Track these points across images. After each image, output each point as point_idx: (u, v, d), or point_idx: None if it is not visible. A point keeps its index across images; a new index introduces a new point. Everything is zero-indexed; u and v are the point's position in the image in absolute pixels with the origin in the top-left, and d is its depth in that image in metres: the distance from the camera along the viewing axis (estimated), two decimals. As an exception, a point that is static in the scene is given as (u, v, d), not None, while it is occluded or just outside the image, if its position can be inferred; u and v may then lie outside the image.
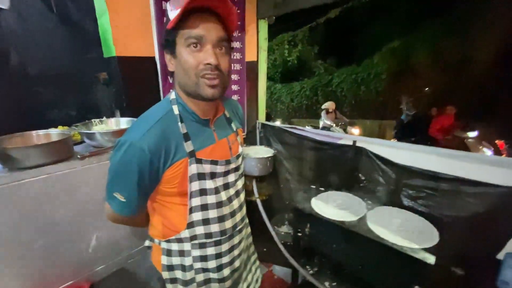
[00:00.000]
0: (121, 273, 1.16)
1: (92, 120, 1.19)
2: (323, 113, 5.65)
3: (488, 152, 4.16)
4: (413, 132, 4.83)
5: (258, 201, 2.00)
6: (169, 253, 0.80)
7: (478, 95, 6.26)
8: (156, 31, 1.40)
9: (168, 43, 0.68)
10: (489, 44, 5.78)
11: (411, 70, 6.96)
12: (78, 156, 0.97)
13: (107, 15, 1.23)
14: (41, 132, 1.04)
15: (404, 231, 1.15)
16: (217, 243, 0.81)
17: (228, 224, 0.82)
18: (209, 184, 0.76)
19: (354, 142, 1.71)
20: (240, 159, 0.88)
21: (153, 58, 1.45)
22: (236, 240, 0.86)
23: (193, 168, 0.72)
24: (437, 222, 1.23)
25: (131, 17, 1.32)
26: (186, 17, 0.64)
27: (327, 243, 1.35)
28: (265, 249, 1.99)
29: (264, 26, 2.09)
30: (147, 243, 0.88)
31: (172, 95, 0.76)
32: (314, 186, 1.62)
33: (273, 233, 1.91)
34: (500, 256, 1.21)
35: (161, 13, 1.40)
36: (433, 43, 6.43)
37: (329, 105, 5.62)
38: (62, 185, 0.94)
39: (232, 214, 0.83)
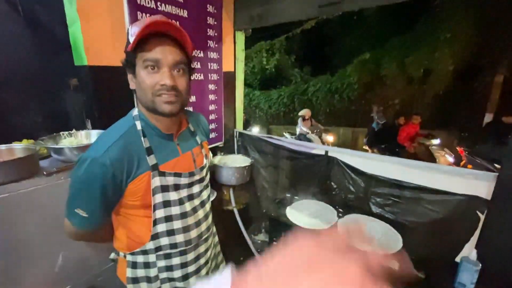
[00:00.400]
0: (89, 292, 1.11)
1: (61, 133, 1.14)
2: (299, 120, 5.81)
3: (449, 158, 4.51)
4: (383, 140, 5.13)
5: (235, 210, 2.01)
6: (134, 265, 0.81)
7: (440, 106, 6.81)
8: (131, 41, 1.38)
9: (128, 64, 0.72)
10: (449, 59, 6.34)
11: (380, 81, 7.41)
12: (44, 173, 0.92)
13: (79, 23, 1.20)
14: (3, 147, 0.98)
15: (372, 238, 1.21)
16: (182, 253, 0.82)
17: (193, 233, 0.84)
18: (172, 195, 0.78)
19: (326, 152, 1.79)
20: (204, 170, 0.91)
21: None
22: (201, 249, 0.89)
23: (156, 181, 0.74)
24: (401, 228, 1.32)
25: (103, 26, 1.29)
26: (144, 41, 0.68)
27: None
28: (241, 258, 2.00)
29: (241, 37, 2.14)
30: (112, 256, 0.87)
31: (135, 111, 0.78)
32: (289, 195, 1.66)
33: (249, 242, 1.93)
34: (458, 259, 1.32)
35: (136, 23, 1.39)
36: (400, 57, 6.90)
37: (305, 112, 5.80)
38: (26, 203, 0.89)
39: (197, 224, 0.86)
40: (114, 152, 0.67)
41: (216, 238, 1.07)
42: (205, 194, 0.92)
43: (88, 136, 1.22)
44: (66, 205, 0.72)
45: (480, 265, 1.04)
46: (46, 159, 1.11)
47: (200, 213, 0.88)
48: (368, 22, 8.50)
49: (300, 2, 1.65)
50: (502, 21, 5.31)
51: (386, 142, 5.05)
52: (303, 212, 1.45)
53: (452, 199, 1.35)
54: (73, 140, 1.13)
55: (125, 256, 0.82)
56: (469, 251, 1.30)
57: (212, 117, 2.07)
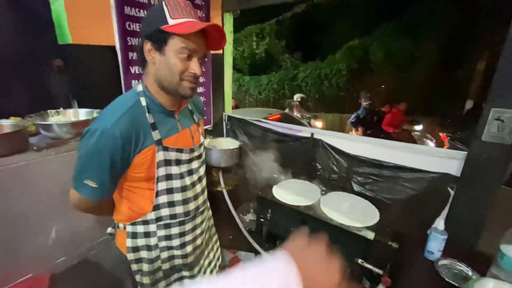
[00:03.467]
0: (83, 265, 1.15)
1: (48, 110, 1.14)
2: (289, 106, 5.83)
3: (430, 143, 4.70)
4: (368, 126, 5.28)
5: (224, 191, 2.07)
6: (134, 235, 0.86)
7: (425, 93, 6.97)
8: (116, 20, 1.36)
9: (157, 39, 0.73)
10: (435, 47, 6.44)
11: (368, 68, 7.48)
12: (35, 148, 0.93)
13: (62, 1, 1.17)
14: (-10, 123, 0.97)
15: (351, 213, 1.30)
16: (181, 223, 0.89)
17: (192, 206, 0.91)
18: (174, 170, 0.83)
19: (312, 134, 1.86)
20: (202, 147, 0.98)
21: (113, 48, 1.41)
22: (198, 220, 0.96)
23: (160, 155, 0.79)
24: (380, 205, 1.41)
25: (88, 3, 1.27)
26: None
27: (286, 226, 1.47)
28: (231, 237, 2.08)
29: (229, 19, 2.12)
30: (109, 230, 0.92)
31: (139, 87, 0.81)
32: (276, 176, 1.73)
33: (238, 221, 2.00)
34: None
35: (121, 3, 1.36)
36: (388, 44, 6.97)
37: (300, 97, 5.88)
38: (18, 177, 0.91)
39: (195, 197, 0.92)
40: (123, 124, 0.70)
41: (210, 212, 1.14)
42: (202, 170, 0.98)
43: (76, 114, 1.22)
44: (74, 177, 0.74)
45: (447, 234, 1.14)
46: (35, 136, 1.11)
47: (198, 188, 0.94)
48: (358, 8, 8.46)
49: (288, -16, 1.65)
50: (485, 9, 5.41)
51: (371, 128, 5.21)
52: (289, 190, 1.52)
53: (427, 176, 1.46)
54: (61, 118, 1.14)
55: (125, 228, 0.87)
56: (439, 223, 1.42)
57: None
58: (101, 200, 0.80)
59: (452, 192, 1.37)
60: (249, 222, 2.04)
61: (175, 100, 0.85)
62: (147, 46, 0.75)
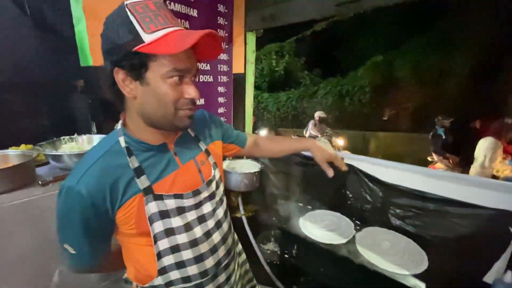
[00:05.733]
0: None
1: (62, 137, 1.08)
2: (310, 123, 5.67)
3: None
4: (456, 149, 3.94)
5: (244, 218, 1.93)
6: None
7: (456, 110, 6.54)
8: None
9: (133, 65, 0.56)
10: (465, 61, 6.09)
11: (394, 84, 7.20)
12: (40, 182, 0.86)
13: (84, 23, 1.15)
14: (-3, 153, 0.91)
15: (393, 255, 1.12)
16: (199, 286, 0.70)
17: (209, 263, 0.70)
18: (176, 221, 0.65)
19: (342, 158, 1.69)
20: (213, 184, 0.76)
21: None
22: (221, 278, 0.75)
23: (152, 207, 0.62)
24: (424, 243, 1.21)
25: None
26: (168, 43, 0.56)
27: (314, 265, 1.30)
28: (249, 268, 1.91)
29: (252, 38, 2.06)
30: (125, 275, 0.77)
31: (118, 125, 0.66)
32: (301, 204, 1.57)
33: (258, 251, 1.84)
34: (487, 279, 1.20)
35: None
36: (415, 59, 6.70)
37: (321, 113, 5.65)
38: (20, 215, 0.83)
39: (213, 250, 0.72)
40: (91, 178, 0.57)
41: (243, 257, 0.96)
42: (220, 212, 0.77)
43: (90, 140, 1.16)
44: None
45: (518, 290, 0.92)
46: (45, 165, 1.05)
47: (216, 237, 0.73)
48: (380, 24, 8.32)
49: (316, 1, 1.57)
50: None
51: (461, 153, 3.88)
52: (317, 223, 1.36)
53: (482, 213, 1.24)
54: (74, 145, 1.07)
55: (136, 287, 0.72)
56: (498, 271, 1.18)
57: (221, 120, 2.00)
58: (87, 267, 0.67)
59: (517, 234, 1.14)
60: (270, 253, 1.87)
61: (167, 133, 0.67)
62: (119, 75, 0.57)
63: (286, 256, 1.35)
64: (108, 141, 0.64)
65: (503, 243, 1.17)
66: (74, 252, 0.61)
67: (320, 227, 1.32)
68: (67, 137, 1.10)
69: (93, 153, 0.62)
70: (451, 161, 3.75)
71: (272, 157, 1.08)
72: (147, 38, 0.53)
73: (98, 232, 0.62)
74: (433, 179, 1.37)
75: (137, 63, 0.56)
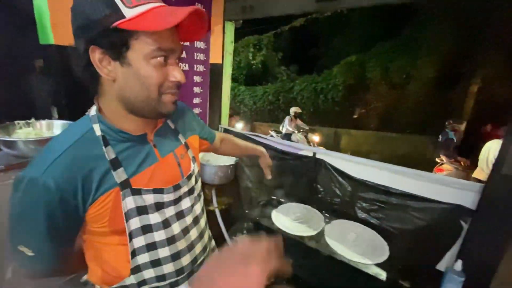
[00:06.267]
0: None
1: (16, 122, 0.97)
2: (286, 119, 5.74)
3: None
4: (467, 153, 3.97)
5: (217, 211, 1.91)
6: None
7: (419, 112, 7.01)
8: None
9: (112, 43, 0.50)
10: (430, 67, 6.55)
11: (365, 84, 7.55)
12: (-11, 170, 0.76)
13: (45, -4, 1.04)
14: None
15: (358, 246, 1.18)
16: (174, 285, 0.66)
17: (186, 260, 0.67)
18: (154, 218, 0.61)
19: (314, 154, 1.74)
20: (193, 179, 0.73)
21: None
22: None
23: (130, 202, 0.57)
24: (386, 234, 1.30)
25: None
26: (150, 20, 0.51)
27: (285, 256, 1.33)
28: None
29: (230, 28, 2.02)
30: (84, 279, 0.71)
31: (93, 110, 0.59)
32: (274, 197, 1.60)
33: (230, 244, 1.84)
34: (439, 267, 1.33)
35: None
36: (385, 61, 7.07)
37: (296, 109, 5.73)
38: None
39: (190, 247, 0.69)
40: (60, 169, 0.50)
41: (216, 252, 0.93)
42: (198, 208, 0.75)
43: (50, 126, 1.05)
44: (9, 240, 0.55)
45: (465, 276, 1.02)
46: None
47: (193, 234, 0.70)
48: (356, 25, 8.62)
49: (296, -5, 1.57)
50: (480, 34, 5.56)
51: (470, 155, 3.92)
52: (289, 216, 1.39)
53: (438, 207, 1.35)
54: (31, 131, 0.96)
55: None
56: (450, 259, 1.31)
57: (196, 111, 1.95)
58: (48, 271, 0.60)
59: (465, 226, 1.26)
60: (242, 245, 1.88)
61: (148, 122, 0.63)
62: (96, 55, 0.51)
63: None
64: (79, 128, 0.57)
65: (455, 234, 1.29)
66: (32, 254, 0.54)
67: (292, 219, 1.36)
68: (23, 121, 0.99)
69: (61, 140, 0.55)
70: (462, 164, 3.89)
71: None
72: (128, 12, 0.48)
73: (63, 231, 0.55)
74: (397, 175, 1.47)
75: (117, 41, 0.50)
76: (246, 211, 2.01)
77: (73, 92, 1.20)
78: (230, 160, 1.89)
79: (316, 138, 5.64)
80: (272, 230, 1.29)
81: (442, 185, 1.33)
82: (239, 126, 6.01)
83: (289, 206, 1.52)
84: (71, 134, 0.56)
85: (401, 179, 1.44)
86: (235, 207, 2.03)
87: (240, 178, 2.02)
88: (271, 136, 3.96)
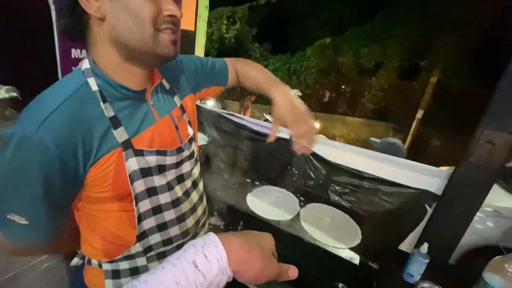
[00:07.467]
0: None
1: None
2: None
3: None
4: None
5: (186, 192, 1.81)
6: (116, 274, 0.60)
7: (384, 98, 7.41)
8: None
9: None
10: (398, 56, 6.83)
11: (337, 68, 7.66)
12: None
13: None
14: None
15: (333, 230, 1.19)
16: (180, 247, 0.62)
17: (190, 222, 0.67)
18: (158, 180, 0.58)
19: (291, 136, 1.69)
20: (193, 143, 0.71)
21: (46, 5, 1.02)
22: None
23: (133, 163, 0.53)
24: (357, 218, 1.33)
25: None
26: None
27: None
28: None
29: (206, -8, 1.80)
30: (74, 262, 0.65)
31: (85, 64, 0.52)
32: (249, 180, 1.54)
33: (200, 226, 1.77)
34: (402, 247, 1.41)
35: None
36: (357, 46, 7.19)
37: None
38: None
39: (193, 209, 0.69)
40: (58, 124, 0.45)
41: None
42: (196, 172, 0.74)
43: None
44: None
45: (429, 258, 1.08)
46: None
47: (194, 196, 0.71)
48: (331, 6, 8.55)
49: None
50: (443, 28, 5.87)
51: None
52: (265, 200, 1.34)
53: (406, 191, 1.41)
54: None
55: (100, 265, 0.61)
56: (412, 240, 1.40)
57: (164, 83, 1.75)
58: (41, 243, 0.54)
59: (429, 210, 1.34)
60: (213, 227, 1.82)
61: (145, 73, 0.57)
62: None
63: (231, 231, 1.31)
64: (71, 82, 0.51)
65: (419, 217, 1.37)
66: (25, 222, 0.48)
67: (267, 203, 1.31)
68: None
69: (51, 95, 0.49)
70: None
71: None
72: None
73: (60, 197, 0.51)
74: (371, 160, 1.49)
75: None
76: (218, 193, 1.94)
77: (8, 55, 0.97)
78: (202, 140, 1.77)
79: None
80: (247, 214, 1.24)
81: (412, 171, 1.38)
82: (210, 103, 5.76)
83: (264, 189, 1.47)
84: (61, 89, 0.50)
85: (375, 164, 1.47)
86: (206, 188, 1.94)
87: (212, 159, 1.92)
88: (266, 120, 3.89)
